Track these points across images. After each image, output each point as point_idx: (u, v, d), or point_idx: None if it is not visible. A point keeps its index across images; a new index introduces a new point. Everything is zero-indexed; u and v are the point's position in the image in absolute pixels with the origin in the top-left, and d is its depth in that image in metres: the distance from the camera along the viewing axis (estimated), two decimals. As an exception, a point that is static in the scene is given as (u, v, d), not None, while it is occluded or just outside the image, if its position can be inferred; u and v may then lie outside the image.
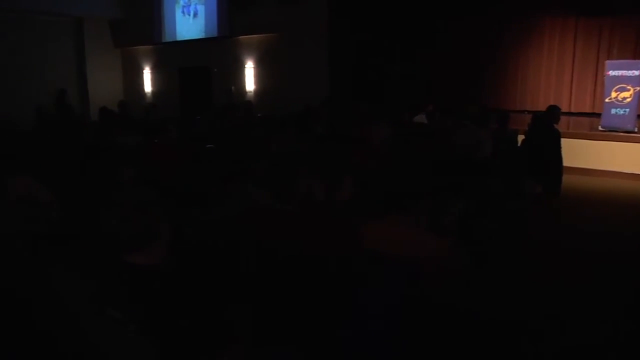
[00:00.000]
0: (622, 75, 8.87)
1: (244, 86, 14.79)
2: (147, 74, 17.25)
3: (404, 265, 2.08)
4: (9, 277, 2.73)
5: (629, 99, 8.78)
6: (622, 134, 8.71)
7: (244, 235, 2.58)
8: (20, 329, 2.71)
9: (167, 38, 16.18)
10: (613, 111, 8.94)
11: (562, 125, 9.56)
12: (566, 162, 7.18)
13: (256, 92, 14.65)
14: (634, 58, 10.70)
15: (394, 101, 10.79)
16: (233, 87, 14.90)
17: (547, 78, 12.37)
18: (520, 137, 7.45)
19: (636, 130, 8.75)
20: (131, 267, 1.83)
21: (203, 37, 15.32)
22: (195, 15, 15.48)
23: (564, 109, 11.86)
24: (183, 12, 15.76)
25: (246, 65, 14.71)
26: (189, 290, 1.81)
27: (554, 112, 7.24)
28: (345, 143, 5.78)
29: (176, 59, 16.20)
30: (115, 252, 1.87)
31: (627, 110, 8.79)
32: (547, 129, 7.03)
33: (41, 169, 4.88)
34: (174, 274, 1.89)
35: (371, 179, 4.03)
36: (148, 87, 17.27)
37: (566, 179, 7.22)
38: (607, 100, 9.03)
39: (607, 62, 9.57)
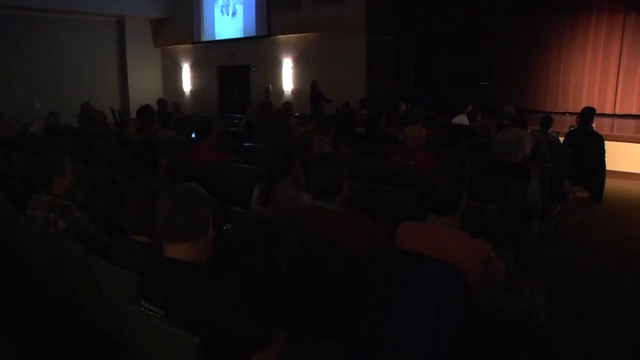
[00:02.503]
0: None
1: (282, 85, 14.87)
2: (186, 73, 17.53)
3: (446, 266, 2.05)
4: (57, 267, 2.81)
5: (679, 101, 8.49)
6: (670, 137, 8.42)
7: (286, 234, 2.60)
8: (65, 316, 2.80)
9: (206, 37, 16.42)
10: (661, 113, 8.64)
11: (605, 127, 9.33)
12: (609, 165, 6.98)
13: (294, 91, 14.72)
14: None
15: (432, 101, 10.69)
16: (270, 86, 15.01)
17: (590, 78, 12.03)
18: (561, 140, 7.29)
19: (685, 133, 8.45)
20: (171, 261, 1.84)
21: (241, 36, 15.48)
22: (234, 14, 15.65)
23: (608, 110, 11.59)
24: (222, 11, 15.95)
25: (284, 65, 14.80)
26: (228, 287, 1.81)
27: (592, 114, 7.04)
28: (384, 143, 5.77)
29: (215, 57, 16.42)
30: (161, 245, 1.88)
31: (676, 112, 8.50)
32: (589, 132, 6.85)
33: (86, 163, 5.04)
34: (214, 271, 1.90)
35: (409, 179, 4.01)
36: (187, 85, 17.55)
37: (609, 183, 7.03)
38: (655, 101, 8.74)
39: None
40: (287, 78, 14.83)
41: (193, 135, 6.45)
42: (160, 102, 10.73)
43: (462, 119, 8.28)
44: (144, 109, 7.69)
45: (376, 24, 12.37)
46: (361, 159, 4.99)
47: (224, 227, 2.77)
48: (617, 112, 11.69)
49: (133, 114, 11.60)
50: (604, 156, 6.79)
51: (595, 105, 9.31)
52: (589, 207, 6.62)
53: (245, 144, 6.14)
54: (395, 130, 6.40)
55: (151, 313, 1.80)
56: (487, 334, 2.34)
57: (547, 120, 7.43)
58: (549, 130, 7.40)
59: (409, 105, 9.33)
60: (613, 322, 3.67)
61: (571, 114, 11.20)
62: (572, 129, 7.29)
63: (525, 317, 2.68)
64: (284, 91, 14.78)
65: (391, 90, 12.28)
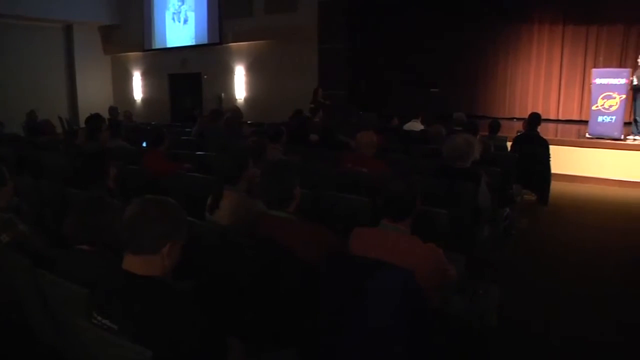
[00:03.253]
0: (608, 84, 8.96)
1: (234, 93, 14.78)
2: (137, 81, 17.20)
3: (400, 271, 2.08)
4: (1, 282, 2.71)
5: (615, 107, 8.88)
6: (608, 141, 8.80)
7: (240, 242, 2.59)
8: (11, 333, 2.69)
9: (158, 45, 16.16)
10: (600, 119, 9.02)
11: (550, 132, 9.68)
12: (554, 169, 7.25)
13: (246, 99, 14.65)
14: (620, 65, 10.87)
15: (384, 108, 10.84)
16: (223, 94, 14.89)
17: (535, 85, 12.51)
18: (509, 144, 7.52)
19: (622, 137, 8.85)
20: (127, 274, 1.79)
21: (193, 44, 15.32)
22: (185, 21, 15.47)
23: (552, 116, 12.06)
24: (173, 18, 15.74)
25: (236, 72, 14.71)
26: (184, 301, 1.77)
27: (537, 119, 7.29)
28: (336, 150, 5.82)
29: (166, 65, 16.17)
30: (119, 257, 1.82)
31: (614, 118, 8.89)
32: (535, 137, 7.09)
33: (33, 174, 4.87)
34: (170, 283, 1.86)
35: (362, 186, 4.05)
36: (138, 93, 17.22)
37: (555, 185, 7.29)
38: (593, 108, 9.12)
39: (593, 70, 9.67)
40: (240, 86, 14.75)
41: (144, 144, 6.34)
42: (111, 109, 10.51)
43: (413, 125, 8.42)
44: (92, 118, 7.50)
45: (328, 32, 12.46)
46: (313, 166, 5.00)
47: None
48: (560, 117, 12.18)
49: (83, 123, 11.30)
50: (549, 160, 7.04)
51: (540, 110, 9.64)
52: (537, 210, 6.85)
53: (198, 153, 6.07)
54: (349, 137, 6.46)
55: (104, 327, 1.75)
56: (441, 337, 2.39)
57: (495, 125, 7.69)
58: (497, 135, 7.63)
59: (361, 112, 9.44)
60: (561, 322, 3.79)
61: (518, 119, 11.58)
62: (519, 134, 7.53)
63: (477, 319, 2.74)
64: (236, 99, 14.69)
65: (343, 98, 12.38)
